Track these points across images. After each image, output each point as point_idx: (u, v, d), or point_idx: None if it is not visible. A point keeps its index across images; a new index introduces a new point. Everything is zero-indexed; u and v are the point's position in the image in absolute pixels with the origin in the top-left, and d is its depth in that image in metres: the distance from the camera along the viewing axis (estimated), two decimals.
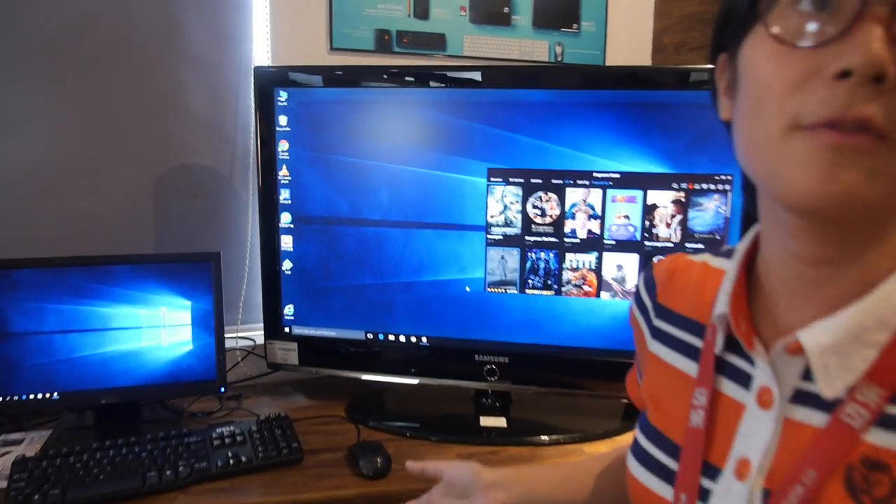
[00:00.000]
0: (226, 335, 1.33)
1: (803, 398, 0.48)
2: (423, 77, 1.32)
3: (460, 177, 1.32)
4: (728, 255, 0.62)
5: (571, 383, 1.36)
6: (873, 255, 0.46)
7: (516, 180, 1.30)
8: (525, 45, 1.65)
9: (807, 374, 0.48)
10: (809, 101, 0.41)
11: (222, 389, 1.31)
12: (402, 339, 1.40)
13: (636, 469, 0.62)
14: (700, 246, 1.26)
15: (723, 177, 1.23)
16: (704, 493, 0.53)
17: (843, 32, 0.39)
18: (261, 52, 1.51)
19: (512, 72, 1.31)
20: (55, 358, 1.23)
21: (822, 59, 0.40)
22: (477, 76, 1.30)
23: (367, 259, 1.38)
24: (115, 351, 1.26)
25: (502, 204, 1.31)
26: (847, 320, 0.46)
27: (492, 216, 1.32)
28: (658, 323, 0.66)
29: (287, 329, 1.44)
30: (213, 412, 1.38)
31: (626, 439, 1.28)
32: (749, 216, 1.23)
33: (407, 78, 1.33)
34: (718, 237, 1.25)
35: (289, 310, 1.43)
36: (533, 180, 1.29)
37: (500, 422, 1.35)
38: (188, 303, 1.29)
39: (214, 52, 1.49)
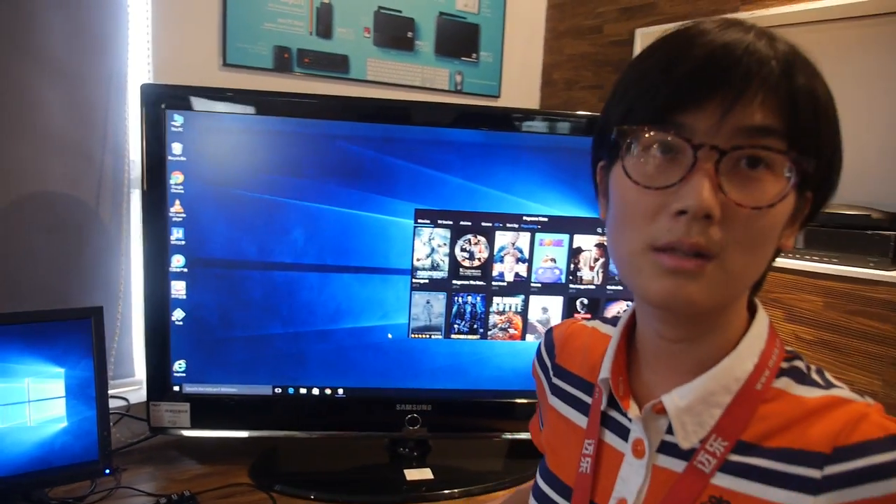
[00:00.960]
0: None
1: (667, 448, 0.58)
2: (347, 108, 1.21)
3: (385, 217, 1.23)
4: (614, 323, 0.71)
5: (496, 427, 1.33)
6: (716, 335, 0.57)
7: (445, 222, 1.24)
8: (427, 71, 1.59)
9: (669, 429, 0.58)
10: (659, 229, 0.52)
11: (108, 471, 1.10)
12: (316, 391, 1.27)
13: None
14: (619, 288, 1.30)
15: None
16: None
17: (682, 181, 0.51)
18: (138, 64, 1.29)
19: (442, 109, 1.24)
20: None
21: (667, 198, 0.52)
22: (406, 111, 1.22)
23: (277, 306, 1.23)
24: None
25: (429, 247, 1.25)
26: (698, 386, 0.57)
27: (418, 259, 1.25)
28: (556, 381, 0.75)
29: (177, 387, 1.24)
30: (84, 496, 1.14)
31: None
32: None
33: (328, 108, 1.21)
34: None
35: (179, 366, 1.24)
36: (462, 223, 1.24)
37: (426, 473, 1.28)
38: (60, 370, 1.06)
39: (78, 60, 1.23)
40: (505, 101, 1.74)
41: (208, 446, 1.35)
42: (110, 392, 1.30)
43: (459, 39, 1.63)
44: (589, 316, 1.30)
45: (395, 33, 1.53)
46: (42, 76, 1.21)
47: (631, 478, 0.59)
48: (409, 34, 1.55)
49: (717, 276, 0.51)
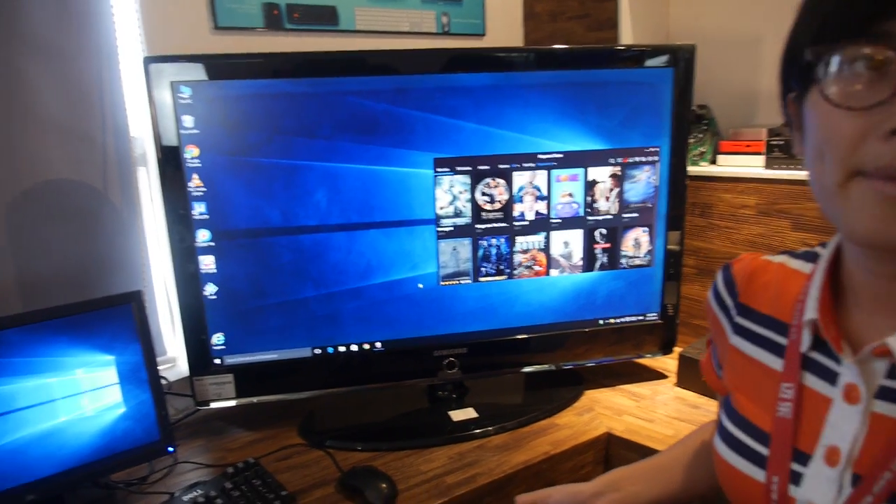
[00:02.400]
0: None
1: (889, 394, 0.54)
2: (354, 64, 1.19)
3: (405, 170, 1.23)
4: (806, 257, 0.67)
5: (529, 361, 1.38)
6: None
7: (464, 169, 1.25)
8: (414, 15, 1.56)
9: (890, 373, 0.54)
10: (866, 156, 0.47)
11: (171, 449, 1.11)
12: (354, 348, 1.30)
13: (726, 453, 0.66)
14: (635, 215, 1.34)
15: (652, 149, 1.31)
16: (796, 477, 0.58)
17: (892, 96, 0.45)
18: (127, 35, 1.24)
19: (450, 55, 1.23)
20: None
21: (875, 119, 0.46)
22: (413, 61, 1.21)
23: (307, 270, 1.24)
24: (27, 436, 0.99)
25: (451, 194, 1.26)
26: None
27: (441, 208, 1.26)
28: (740, 320, 0.70)
29: (218, 360, 1.25)
30: (146, 476, 1.16)
31: (584, 403, 1.35)
32: (675, 183, 1.33)
33: (334, 64, 1.19)
34: (650, 205, 1.34)
35: (217, 339, 1.24)
36: (480, 167, 1.26)
37: (470, 413, 1.33)
38: (110, 357, 1.06)
39: (66, 37, 1.17)
40: (490, 39, 1.72)
41: (252, 413, 1.37)
42: None
43: None
44: (609, 245, 1.35)
45: None
46: (30, 58, 1.15)
47: (843, 424, 0.56)
48: None
49: None
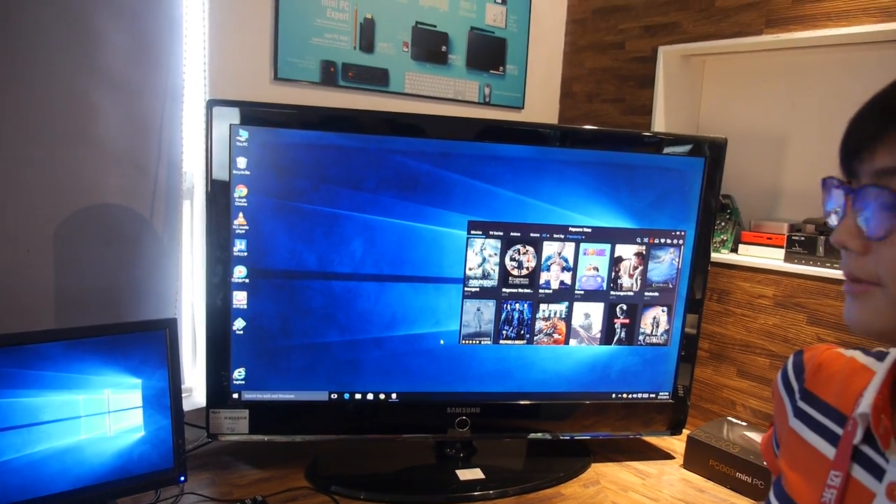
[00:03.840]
0: None
1: None
2: (405, 125, 1.26)
3: (440, 229, 1.28)
4: (877, 356, 0.70)
5: (541, 427, 1.40)
6: None
7: (496, 233, 1.30)
8: (459, 84, 1.65)
9: None
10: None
11: (182, 478, 1.13)
12: (370, 396, 1.32)
13: None
14: (656, 294, 1.38)
15: (678, 232, 1.36)
16: None
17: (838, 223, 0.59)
18: (193, 78, 1.31)
19: (495, 126, 1.30)
20: None
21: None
22: (460, 128, 1.28)
23: (335, 315, 1.28)
24: (47, 450, 1.01)
25: (481, 256, 1.30)
26: None
27: (470, 268, 1.30)
28: (802, 405, 0.73)
29: (236, 395, 1.28)
30: (158, 501, 1.17)
31: (590, 476, 1.35)
32: (698, 267, 1.38)
33: (387, 124, 1.25)
34: (671, 286, 1.38)
35: (239, 374, 1.27)
36: (512, 234, 1.30)
37: (477, 473, 1.34)
38: (137, 381, 1.08)
39: (136, 73, 1.25)
40: (527, 113, 1.80)
41: (261, 450, 1.38)
42: None
43: (488, 53, 1.68)
44: (628, 321, 1.38)
45: (430, 47, 1.58)
46: (102, 90, 1.23)
47: None
48: (444, 48, 1.60)
49: (881, 300, 0.55)
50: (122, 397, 1.07)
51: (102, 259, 1.27)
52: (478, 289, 1.31)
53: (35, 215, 1.20)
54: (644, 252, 1.36)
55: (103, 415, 1.06)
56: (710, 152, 1.35)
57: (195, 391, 1.45)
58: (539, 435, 1.40)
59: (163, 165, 1.32)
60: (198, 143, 1.33)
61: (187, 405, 1.39)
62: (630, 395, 1.42)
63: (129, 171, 1.28)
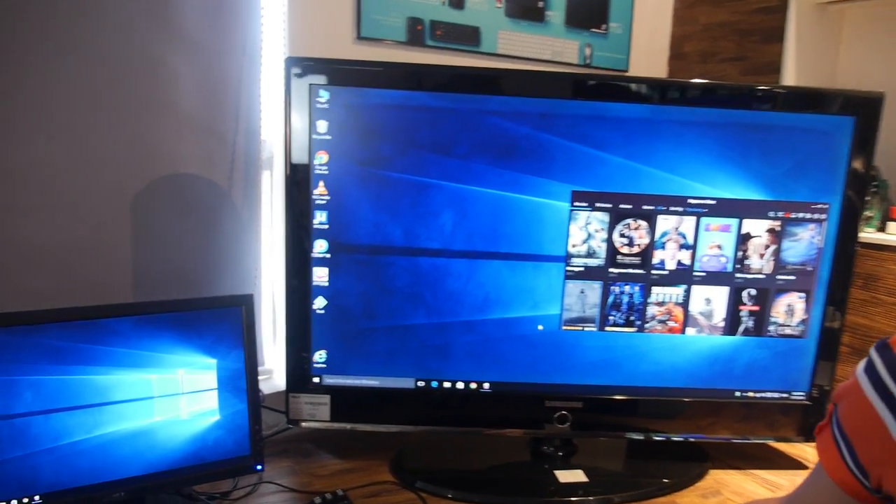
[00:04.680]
0: None
1: None
2: (500, 83, 1.12)
3: (540, 200, 1.13)
4: None
5: (651, 427, 1.23)
6: None
7: (604, 205, 1.14)
8: (557, 44, 1.49)
9: None
10: None
11: (259, 467, 1.04)
12: (461, 385, 1.20)
13: None
14: (791, 278, 1.18)
15: (820, 206, 1.16)
16: None
17: None
18: (273, 37, 1.22)
19: (603, 82, 1.14)
20: (35, 448, 0.90)
21: None
22: (564, 85, 1.13)
23: (422, 295, 1.16)
24: (118, 432, 0.95)
25: (586, 232, 1.15)
26: None
27: (573, 245, 1.15)
28: None
29: (317, 379, 1.18)
30: (229, 492, 1.09)
31: (709, 484, 1.18)
32: (843, 247, 1.17)
33: (481, 82, 1.12)
34: (810, 268, 1.18)
35: (320, 356, 1.18)
36: (622, 206, 1.14)
37: (578, 475, 1.20)
38: (212, 361, 1.00)
39: (211, 33, 1.17)
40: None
41: (343, 440, 1.29)
42: None
43: (590, 9, 1.51)
44: (757, 309, 1.19)
45: (526, 3, 1.43)
46: (178, 52, 1.15)
47: None
48: (540, 3, 1.44)
49: None
50: (197, 378, 0.99)
51: (179, 232, 1.21)
52: (582, 268, 1.16)
53: (108, 186, 1.13)
54: (778, 228, 1.16)
55: (177, 396, 0.98)
56: (862, 110, 1.13)
57: (275, 374, 1.38)
58: (649, 435, 1.24)
59: (241, 132, 1.23)
60: (277, 109, 1.24)
61: (267, 388, 1.32)
62: (757, 394, 1.23)
63: (205, 138, 1.20)
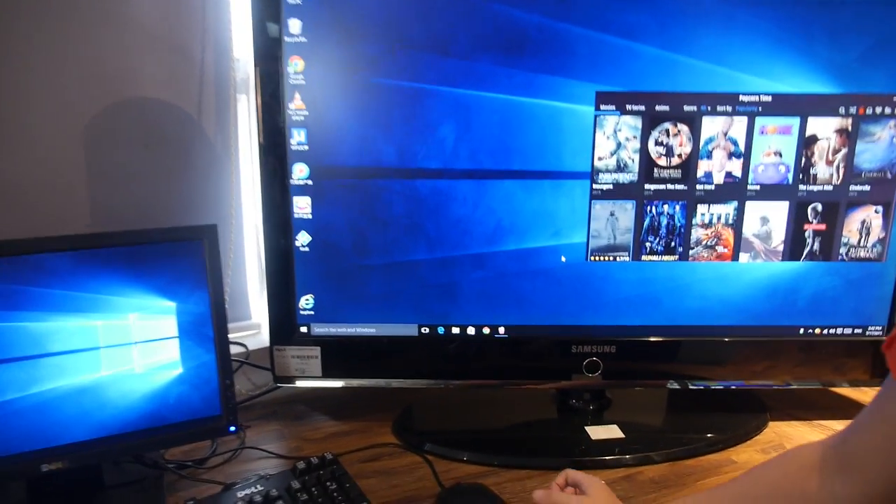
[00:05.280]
0: None
1: None
2: None
3: (558, 104, 0.95)
4: None
5: (697, 374, 1.05)
6: None
7: (636, 108, 0.95)
8: None
9: None
10: None
11: (233, 429, 0.88)
12: (471, 331, 1.02)
13: None
14: (865, 188, 0.98)
15: None
16: None
17: None
18: None
19: None
20: None
21: None
22: None
23: (422, 225, 0.98)
24: (59, 389, 0.79)
25: (615, 141, 0.96)
26: None
27: (600, 158, 0.96)
28: None
29: (304, 329, 1.02)
30: (205, 458, 0.94)
31: (770, 438, 1.00)
32: None
33: None
34: (890, 175, 0.97)
35: (306, 301, 1.01)
36: (658, 107, 0.95)
37: (613, 431, 1.02)
38: (171, 304, 0.84)
39: None
40: None
41: (341, 399, 1.13)
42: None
43: None
44: (825, 227, 0.99)
45: None
46: None
47: None
48: None
49: None
50: (152, 324, 0.83)
51: (142, 164, 1.05)
52: (611, 186, 0.97)
53: (58, 111, 0.98)
54: (850, 128, 0.96)
55: (129, 346, 0.82)
56: None
57: (263, 328, 1.22)
58: (695, 384, 1.05)
59: (209, 49, 1.07)
60: (247, 16, 1.07)
61: (254, 343, 1.17)
62: (825, 331, 1.03)
63: (166, 55, 1.04)
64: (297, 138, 0.95)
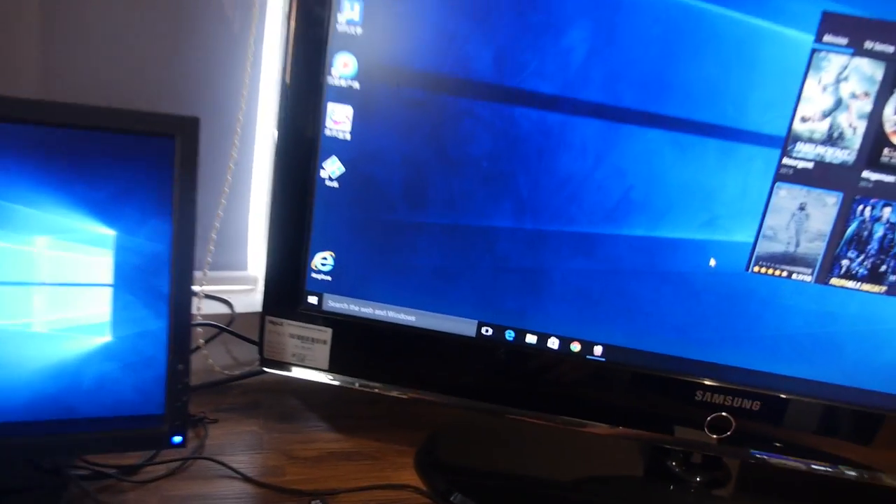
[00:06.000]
0: None
1: None
2: None
3: (757, 22, 0.60)
4: None
5: (877, 463, 0.71)
6: None
7: (880, 47, 0.60)
8: None
9: None
10: None
11: (177, 439, 0.57)
12: (554, 343, 0.70)
13: None
14: None
15: None
16: None
17: None
18: None
19: None
20: None
21: None
22: None
23: (512, 176, 0.65)
24: None
25: (833, 95, 0.61)
26: None
27: (805, 119, 0.62)
28: None
29: (314, 298, 0.70)
30: (136, 467, 0.63)
31: None
32: None
33: None
34: None
35: (323, 261, 0.69)
36: None
37: None
38: (109, 232, 0.53)
39: None
40: None
41: (348, 400, 0.82)
42: (207, 288, 0.78)
43: None
44: None
45: None
46: None
47: None
48: None
49: None
50: (72, 260, 0.52)
51: (123, 25, 0.72)
52: (810, 164, 0.63)
53: None
54: None
55: (27, 287, 0.51)
56: None
57: (261, 284, 0.90)
58: (877, 476, 0.72)
59: None
60: None
61: (244, 304, 0.85)
62: None
63: None
64: (348, 13, 0.62)
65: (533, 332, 0.69)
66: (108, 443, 0.55)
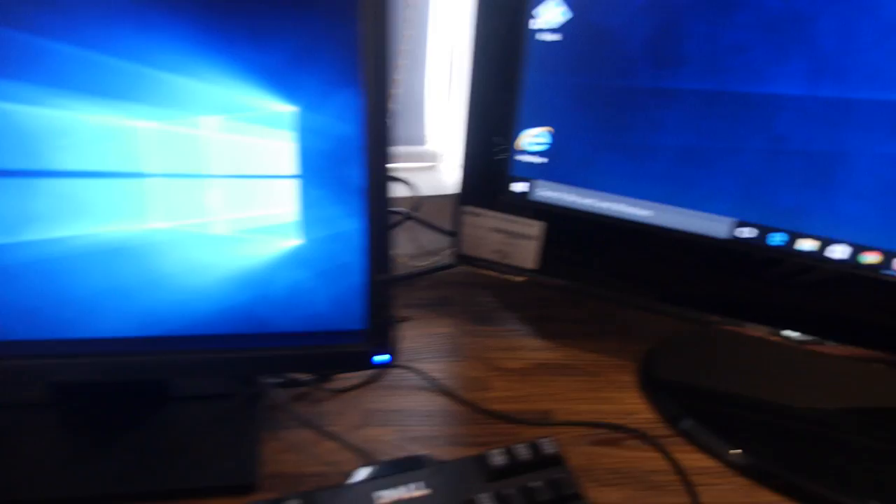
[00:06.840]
0: None
1: None
2: None
3: None
4: None
5: None
6: None
7: None
8: None
9: None
10: None
11: (379, 359, 0.48)
12: (843, 252, 0.52)
13: None
14: None
15: None
16: None
17: None
18: None
19: None
20: None
21: None
22: None
23: (809, 17, 0.46)
24: (70, 241, 0.42)
25: None
26: None
27: None
28: None
29: (522, 185, 0.57)
30: (335, 373, 0.57)
31: None
32: None
33: None
34: None
35: (536, 139, 0.55)
36: None
37: None
38: (291, 108, 0.41)
39: None
40: None
41: (551, 302, 0.70)
42: None
43: None
44: None
45: None
46: None
47: None
48: None
49: None
50: (249, 145, 0.42)
51: None
52: None
53: None
54: None
55: (200, 180, 0.42)
56: None
57: (445, 160, 0.79)
58: None
59: None
60: None
61: (428, 185, 0.74)
62: None
63: None
64: None
65: (813, 237, 0.52)
66: (305, 361, 0.47)
